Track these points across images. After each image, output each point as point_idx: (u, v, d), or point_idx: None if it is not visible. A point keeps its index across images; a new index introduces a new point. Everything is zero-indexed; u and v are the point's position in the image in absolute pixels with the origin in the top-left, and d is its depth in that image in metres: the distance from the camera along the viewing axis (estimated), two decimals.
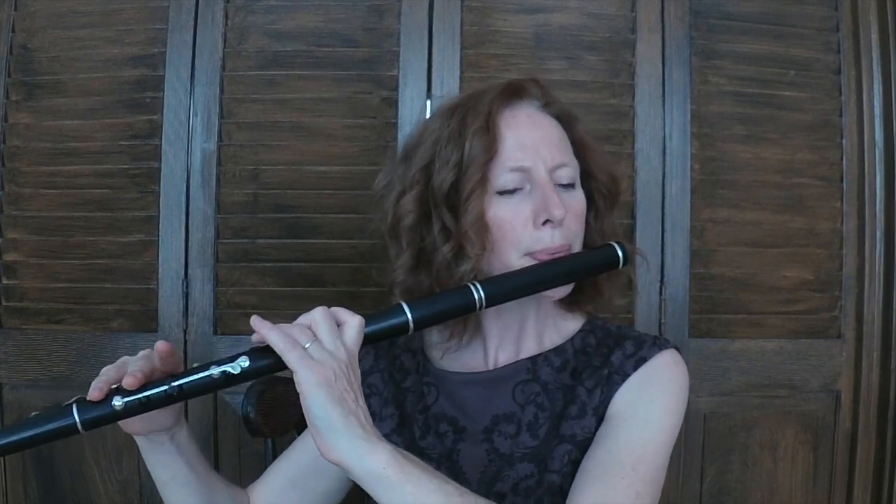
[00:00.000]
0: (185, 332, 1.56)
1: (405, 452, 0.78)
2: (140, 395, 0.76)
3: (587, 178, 0.99)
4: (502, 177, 0.93)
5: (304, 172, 1.57)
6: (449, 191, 0.93)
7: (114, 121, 1.57)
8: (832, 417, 1.65)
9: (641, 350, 0.95)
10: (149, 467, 0.91)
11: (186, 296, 1.56)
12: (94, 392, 0.76)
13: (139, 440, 0.88)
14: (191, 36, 1.57)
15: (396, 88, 1.57)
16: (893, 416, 1.62)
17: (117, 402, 0.75)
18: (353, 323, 0.79)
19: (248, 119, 1.58)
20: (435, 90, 1.56)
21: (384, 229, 1.00)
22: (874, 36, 1.64)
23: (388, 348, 1.07)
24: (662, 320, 1.59)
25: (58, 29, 1.59)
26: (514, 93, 0.97)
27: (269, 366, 0.78)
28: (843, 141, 1.64)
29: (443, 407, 0.99)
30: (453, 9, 1.58)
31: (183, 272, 1.56)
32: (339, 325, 0.79)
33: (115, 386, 0.77)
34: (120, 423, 0.82)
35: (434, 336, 1.03)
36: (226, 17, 1.58)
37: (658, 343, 0.96)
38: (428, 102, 1.56)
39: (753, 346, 1.62)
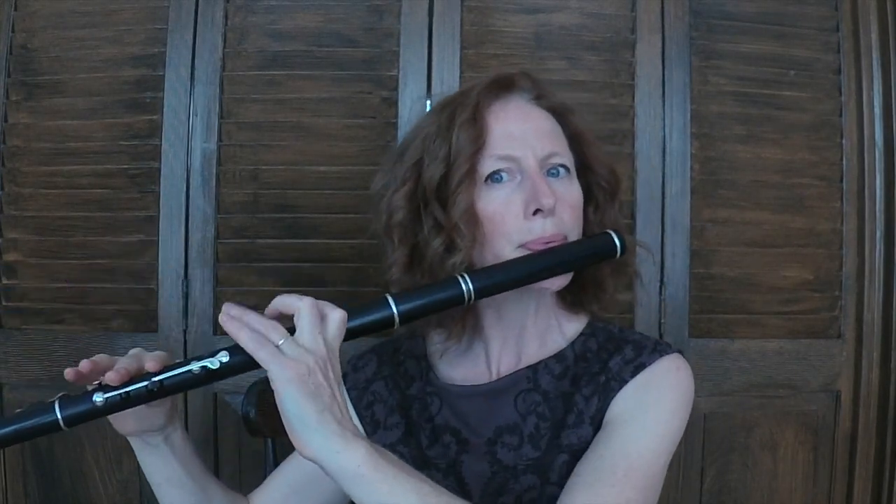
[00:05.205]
0: (184, 332, 1.56)
1: (382, 450, 0.76)
2: (121, 391, 0.76)
3: (585, 171, 0.98)
4: (489, 163, 0.92)
5: (304, 172, 1.57)
6: (439, 184, 0.92)
7: (114, 121, 1.57)
8: (832, 417, 1.65)
9: (641, 356, 0.93)
10: (143, 468, 0.90)
11: (186, 296, 1.56)
12: (69, 372, 0.78)
13: (133, 441, 0.88)
14: (191, 36, 1.57)
15: (396, 88, 1.57)
16: (893, 416, 1.62)
17: (98, 398, 0.76)
18: (334, 317, 0.78)
19: (248, 119, 1.58)
20: (435, 90, 1.56)
21: (380, 229, 0.99)
22: (874, 36, 1.64)
23: (391, 354, 1.05)
24: (662, 320, 1.59)
25: (58, 29, 1.59)
26: (502, 86, 0.97)
27: (250, 361, 0.75)
28: (843, 141, 1.64)
29: (446, 418, 0.98)
30: (453, 9, 1.58)
31: (183, 272, 1.56)
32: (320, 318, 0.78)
33: (97, 382, 0.78)
34: (113, 424, 0.83)
35: (435, 340, 1.01)
36: (226, 17, 1.58)
37: (659, 348, 0.94)
38: (428, 102, 1.56)
39: (753, 346, 1.61)
